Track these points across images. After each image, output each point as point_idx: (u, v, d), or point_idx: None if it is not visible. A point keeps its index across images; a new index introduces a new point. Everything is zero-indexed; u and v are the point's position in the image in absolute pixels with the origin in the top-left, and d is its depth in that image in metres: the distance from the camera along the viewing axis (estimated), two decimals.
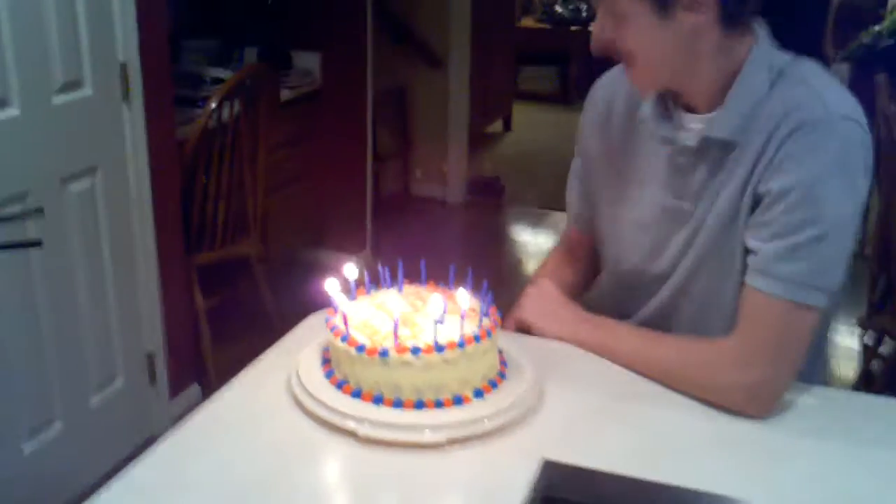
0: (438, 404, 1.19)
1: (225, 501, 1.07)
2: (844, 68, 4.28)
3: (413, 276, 1.36)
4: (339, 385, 1.22)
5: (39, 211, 1.93)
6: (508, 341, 1.35)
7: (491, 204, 5.32)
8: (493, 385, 1.24)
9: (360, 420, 1.17)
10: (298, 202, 3.96)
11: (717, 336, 1.31)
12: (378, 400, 1.19)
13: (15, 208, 2.15)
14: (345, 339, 1.20)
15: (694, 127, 1.34)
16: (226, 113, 2.89)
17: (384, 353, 1.17)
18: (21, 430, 2.30)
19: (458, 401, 1.20)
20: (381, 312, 1.26)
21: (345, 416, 1.18)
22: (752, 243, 1.27)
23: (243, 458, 1.15)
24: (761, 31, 1.31)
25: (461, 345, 1.18)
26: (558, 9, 7.74)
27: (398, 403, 1.18)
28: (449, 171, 5.21)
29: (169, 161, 2.71)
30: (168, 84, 2.70)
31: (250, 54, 3.80)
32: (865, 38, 4.18)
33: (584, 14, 7.78)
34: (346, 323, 1.22)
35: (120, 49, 2.45)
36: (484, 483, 1.12)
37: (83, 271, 2.43)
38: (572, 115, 7.14)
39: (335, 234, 4.18)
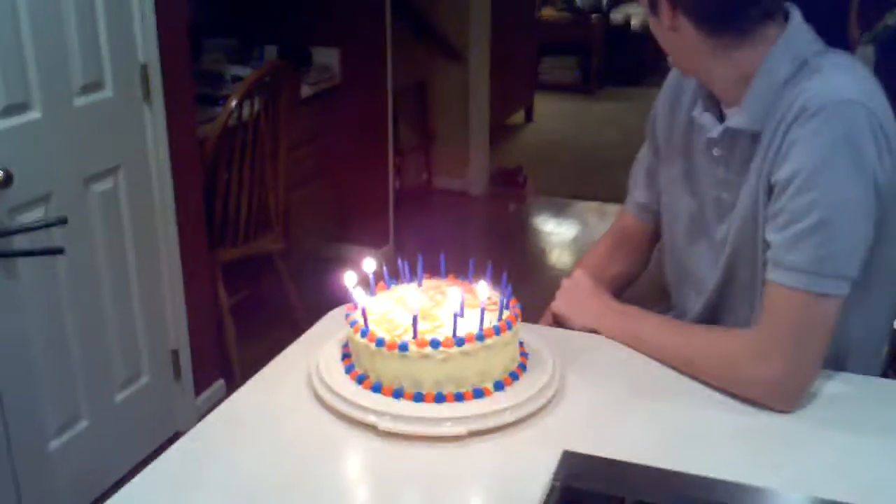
0: (459, 397, 1.19)
1: (246, 498, 1.08)
2: (870, 50, 4.23)
3: (436, 270, 1.36)
4: (360, 379, 1.23)
5: (62, 220, 1.94)
6: (530, 333, 1.34)
7: (513, 195, 5.31)
8: (514, 377, 1.24)
9: (380, 414, 1.17)
10: (320, 198, 3.97)
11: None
12: (398, 394, 1.19)
13: (38, 212, 2.17)
14: (364, 333, 1.20)
15: (727, 119, 1.35)
16: (246, 110, 2.90)
17: (404, 347, 1.17)
18: (47, 428, 2.32)
19: (478, 393, 1.19)
20: (400, 307, 1.26)
21: (365, 409, 1.18)
22: (767, 235, 1.26)
23: (264, 454, 1.16)
24: (793, 20, 1.29)
25: (480, 337, 1.18)
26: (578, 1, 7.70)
27: (419, 397, 1.19)
28: (471, 164, 5.20)
29: (190, 159, 2.73)
30: (188, 83, 2.71)
31: (270, 52, 3.81)
32: (890, 19, 4.12)
33: (604, 3, 7.75)
34: (365, 317, 1.22)
35: (140, 49, 2.46)
36: (504, 475, 1.11)
37: (107, 270, 2.45)
38: (594, 106, 7.11)
39: (357, 228, 4.19)
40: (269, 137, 3.06)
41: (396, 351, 1.17)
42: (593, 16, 7.65)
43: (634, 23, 7.63)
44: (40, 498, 2.30)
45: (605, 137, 6.29)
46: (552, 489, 1.07)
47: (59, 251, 1.99)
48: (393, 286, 1.33)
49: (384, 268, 1.34)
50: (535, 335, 1.35)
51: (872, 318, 1.36)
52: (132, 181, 2.49)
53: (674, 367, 1.33)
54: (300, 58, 3.79)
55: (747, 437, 1.19)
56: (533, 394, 1.21)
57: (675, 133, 1.47)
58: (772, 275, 1.24)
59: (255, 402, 1.28)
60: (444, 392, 1.18)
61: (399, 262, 1.33)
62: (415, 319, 1.19)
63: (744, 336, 1.28)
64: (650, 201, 1.58)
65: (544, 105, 6.98)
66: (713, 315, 1.44)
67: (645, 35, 6.43)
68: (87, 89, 2.30)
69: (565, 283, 1.56)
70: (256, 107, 2.94)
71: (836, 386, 1.29)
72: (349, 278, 1.24)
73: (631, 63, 7.54)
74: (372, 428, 1.17)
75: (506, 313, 1.23)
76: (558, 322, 1.51)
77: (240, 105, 2.85)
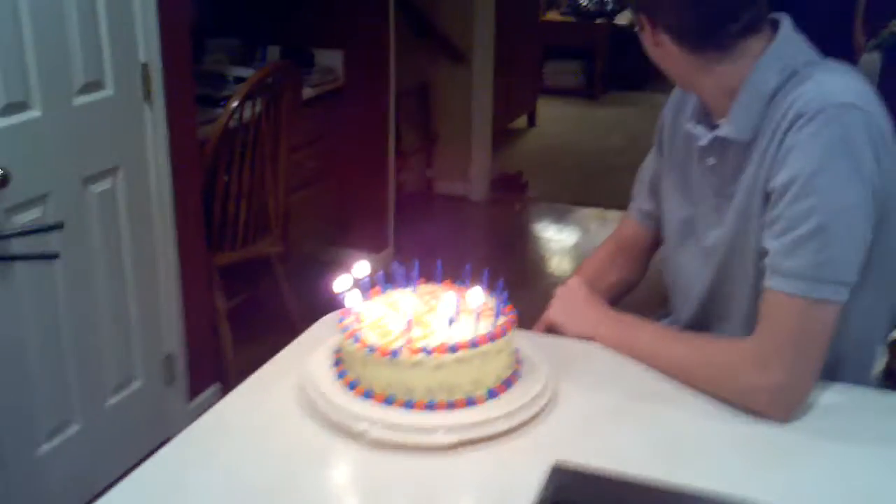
0: (451, 405, 1.17)
1: None
2: (875, 57, 4.22)
3: (433, 275, 1.34)
4: (351, 386, 1.21)
5: (58, 226, 1.92)
6: (525, 341, 1.33)
7: (515, 201, 5.29)
8: (508, 385, 1.23)
9: (370, 421, 1.16)
10: (320, 201, 3.96)
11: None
12: (390, 401, 1.18)
13: (36, 213, 2.16)
14: (356, 339, 1.19)
15: (714, 128, 1.35)
16: (247, 112, 2.89)
17: (395, 354, 1.15)
18: (38, 431, 2.31)
19: (470, 402, 1.18)
20: (394, 312, 1.25)
21: (356, 417, 1.17)
22: (765, 243, 1.25)
23: (252, 460, 1.14)
24: (782, 30, 1.28)
25: (474, 344, 1.17)
26: (583, 2, 7.68)
27: (410, 404, 1.17)
28: (473, 168, 5.19)
29: (190, 161, 2.71)
30: (190, 84, 2.70)
31: (273, 53, 3.80)
32: (893, 27, 4.11)
33: (608, 7, 7.73)
34: (357, 323, 1.21)
35: (141, 49, 2.45)
36: (495, 485, 1.10)
37: (103, 272, 2.44)
38: (598, 110, 7.08)
39: (357, 232, 4.18)
40: (269, 139, 3.04)
41: (388, 357, 1.16)
42: (598, 20, 7.63)
43: None
44: (30, 501, 2.29)
45: (609, 143, 6.28)
46: (542, 499, 1.06)
47: (53, 256, 1.98)
48: (387, 291, 1.32)
49: (380, 272, 1.32)
50: (530, 342, 1.34)
51: (869, 320, 1.35)
52: (131, 181, 2.48)
53: (670, 376, 1.32)
54: (303, 59, 3.78)
55: (742, 448, 1.18)
56: (526, 402, 1.20)
57: (677, 142, 1.48)
58: (770, 282, 1.23)
59: (244, 408, 1.27)
60: (436, 400, 1.17)
61: (394, 266, 1.32)
62: (408, 325, 1.17)
63: (742, 345, 1.27)
64: (653, 209, 1.57)
65: (548, 109, 6.97)
66: (703, 321, 1.44)
67: None
68: (87, 88, 2.28)
69: (560, 290, 1.55)
70: (258, 108, 2.92)
71: (832, 396, 1.28)
72: (342, 282, 1.22)
73: (635, 67, 7.52)
74: (362, 436, 1.15)
75: (500, 320, 1.22)
76: (553, 330, 1.49)
77: (241, 106, 2.83)
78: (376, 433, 1.15)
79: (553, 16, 7.72)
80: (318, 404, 1.20)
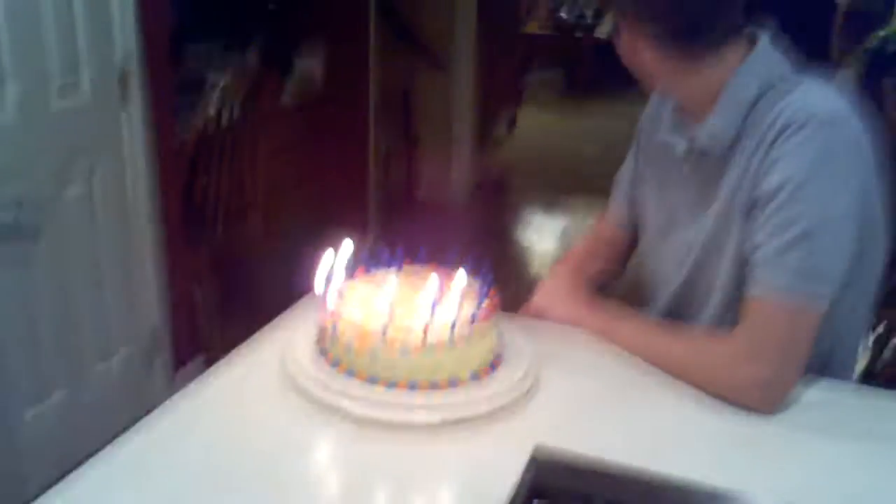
0: (433, 386, 1.16)
1: (212, 481, 1.05)
2: (850, 73, 4.26)
3: (430, 259, 1.34)
4: (334, 364, 1.20)
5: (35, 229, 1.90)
6: (510, 325, 1.32)
7: (496, 205, 5.30)
8: (492, 368, 1.22)
9: (352, 398, 1.15)
10: (301, 205, 3.93)
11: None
12: (373, 380, 1.17)
13: (8, 217, 2.13)
14: (339, 318, 1.18)
15: (691, 135, 1.35)
16: (225, 117, 2.86)
17: (377, 335, 1.14)
18: (23, 398, 2.28)
19: (452, 383, 1.17)
20: (377, 292, 1.24)
21: (337, 393, 1.15)
22: (753, 247, 1.26)
23: (232, 437, 1.13)
24: (760, 43, 1.30)
25: (457, 327, 1.16)
26: (563, 15, 7.74)
27: (392, 385, 1.16)
28: (454, 173, 5.19)
29: (170, 164, 2.68)
30: (168, 88, 2.68)
31: (252, 57, 3.78)
32: (871, 42, 4.16)
33: (587, 21, 7.79)
34: (341, 302, 1.20)
35: (119, 52, 2.42)
36: (476, 467, 1.09)
37: (83, 277, 2.42)
38: (577, 120, 7.09)
39: (338, 236, 4.14)
40: (248, 143, 3.03)
41: (370, 338, 1.15)
42: (577, 33, 7.69)
43: None
44: (12, 466, 2.26)
45: (588, 150, 6.31)
46: (521, 483, 1.05)
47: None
48: (372, 272, 1.31)
49: (364, 253, 1.31)
50: (514, 326, 1.33)
51: (851, 321, 1.36)
52: (108, 185, 2.46)
53: (653, 366, 1.32)
54: (282, 63, 3.76)
55: (723, 440, 1.18)
56: (509, 386, 1.19)
57: (654, 147, 1.48)
58: (760, 278, 1.23)
59: (226, 385, 1.25)
60: (418, 380, 1.16)
61: (379, 247, 1.31)
62: (390, 307, 1.16)
63: (727, 339, 1.27)
64: (630, 212, 1.58)
65: (528, 117, 6.99)
66: (676, 314, 1.44)
67: None
68: (64, 91, 2.25)
69: (547, 278, 1.55)
70: (236, 113, 2.91)
71: (815, 392, 1.28)
72: (326, 259, 1.21)
73: (613, 78, 7.55)
74: (343, 414, 1.14)
75: (484, 303, 1.21)
76: (537, 315, 1.49)
77: (219, 111, 2.82)
78: (358, 410, 1.13)
79: (533, 27, 7.77)
80: (299, 380, 1.19)
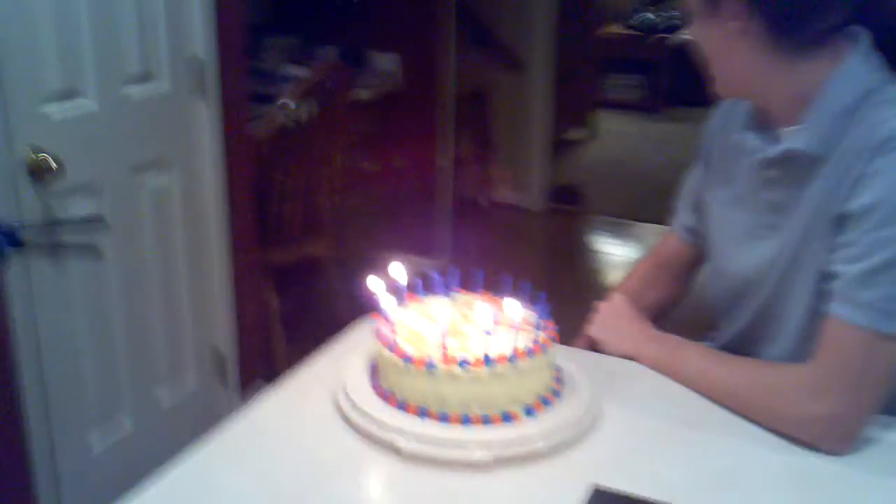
0: (486, 420, 1.13)
1: None
2: None
3: (487, 284, 1.30)
4: (385, 396, 1.18)
5: (98, 219, 1.92)
6: (567, 358, 1.28)
7: (572, 213, 5.23)
8: (547, 403, 1.18)
9: (403, 433, 1.12)
10: (375, 204, 3.94)
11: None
12: (423, 413, 1.14)
13: (88, 204, 2.16)
14: (391, 348, 1.15)
15: (781, 140, 1.27)
16: (303, 112, 2.88)
17: (431, 365, 1.11)
18: (91, 428, 2.30)
19: (506, 418, 1.14)
20: (429, 321, 1.21)
21: (388, 428, 1.13)
22: (833, 267, 1.18)
23: (282, 468, 1.11)
24: (859, 46, 1.21)
25: (512, 359, 1.12)
26: (650, 15, 7.58)
27: (444, 418, 1.13)
28: (530, 178, 5.13)
29: (244, 158, 2.70)
30: (244, 80, 2.69)
31: (329, 53, 3.80)
32: None
33: (677, 21, 7.61)
34: (393, 331, 1.17)
35: (196, 43, 2.45)
36: None
37: (156, 268, 2.44)
38: (657, 126, 6.98)
39: (412, 238, 4.15)
40: (323, 140, 3.03)
41: (423, 368, 1.12)
42: (658, 36, 7.52)
43: None
44: (82, 498, 2.28)
45: (668, 158, 6.17)
46: None
47: (99, 219, 1.94)
48: (424, 298, 1.28)
49: (416, 277, 1.28)
50: (572, 359, 1.29)
51: None
52: (184, 176, 2.48)
53: (716, 401, 1.26)
54: (359, 61, 3.77)
55: (790, 482, 1.12)
56: (566, 422, 1.15)
57: (726, 153, 1.41)
58: (837, 309, 1.16)
59: (276, 413, 1.24)
60: (471, 414, 1.13)
61: (431, 272, 1.28)
62: (443, 336, 1.13)
63: (797, 370, 1.20)
64: (696, 224, 1.51)
65: (607, 123, 6.89)
66: (750, 341, 1.36)
67: None
68: (141, 80, 2.29)
69: (602, 306, 1.49)
70: (313, 108, 2.92)
71: (892, 433, 1.20)
72: (375, 285, 1.19)
73: (696, 84, 7.37)
74: (394, 447, 1.12)
75: (540, 334, 1.17)
76: (594, 347, 1.44)
77: (297, 105, 2.83)
78: (409, 446, 1.11)
79: (616, 28, 7.63)
80: (351, 414, 1.17)
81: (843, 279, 1.16)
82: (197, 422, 2.64)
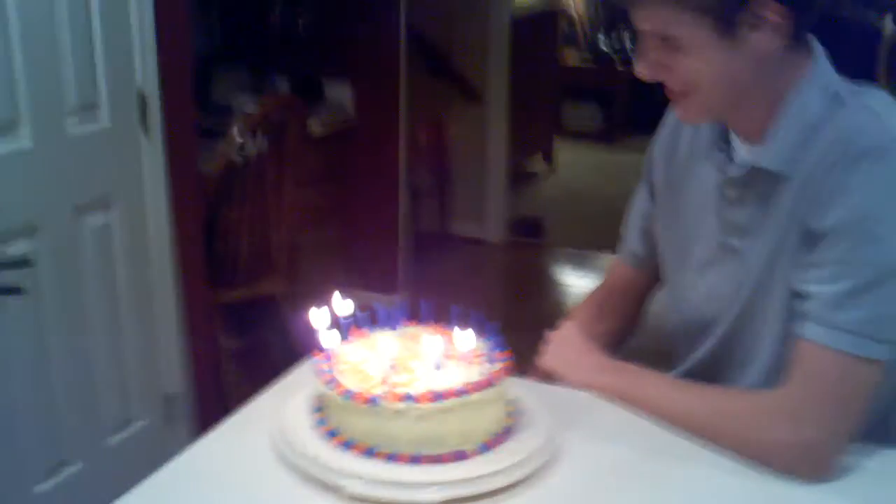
0: (437, 459, 1.06)
1: None
2: None
3: (439, 316, 1.23)
4: (330, 435, 1.10)
5: (24, 262, 1.83)
6: (523, 390, 1.22)
7: (532, 244, 5.19)
8: (502, 439, 1.11)
9: (349, 475, 1.04)
10: (330, 239, 3.87)
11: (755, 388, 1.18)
12: (370, 453, 1.07)
13: (24, 246, 2.07)
14: (331, 384, 1.08)
15: (745, 157, 1.23)
16: (251, 146, 2.81)
17: (374, 401, 1.04)
18: (35, 471, 2.20)
19: (459, 456, 1.07)
20: (375, 355, 1.14)
21: (332, 470, 1.05)
22: (806, 286, 1.13)
23: None
24: (819, 53, 1.18)
25: (462, 393, 1.05)
26: (602, 46, 7.64)
27: (392, 458, 1.06)
28: (488, 209, 5.09)
29: (192, 194, 2.62)
30: (190, 114, 2.62)
31: (282, 84, 3.74)
32: None
33: (629, 51, 7.68)
34: (333, 367, 1.10)
35: (139, 76, 2.37)
36: None
37: (99, 309, 2.35)
38: (616, 155, 6.98)
39: (368, 273, 4.08)
40: (274, 175, 2.97)
41: (367, 405, 1.05)
42: (617, 66, 7.57)
43: None
44: None
45: (627, 188, 6.18)
46: None
47: (15, 291, 1.86)
48: (370, 331, 1.21)
49: (360, 311, 1.21)
50: (528, 391, 1.22)
51: None
52: (126, 216, 2.40)
53: (680, 430, 1.20)
54: (313, 91, 3.72)
55: None
56: (522, 458, 1.09)
57: (674, 176, 1.36)
58: (811, 331, 1.11)
59: (215, 455, 1.17)
60: (421, 453, 1.06)
61: (376, 305, 1.21)
62: (387, 370, 1.07)
63: (769, 396, 1.16)
64: (646, 251, 1.46)
65: (565, 152, 6.89)
66: (718, 368, 1.30)
67: None
68: (81, 116, 2.21)
69: (553, 335, 1.43)
70: (262, 142, 2.85)
71: (868, 460, 1.16)
72: (317, 320, 1.12)
73: (655, 113, 7.42)
74: (340, 490, 1.04)
75: (492, 366, 1.11)
76: (546, 377, 1.37)
77: (245, 140, 2.76)
78: (356, 489, 1.03)
79: (572, 56, 7.65)
80: (290, 456, 1.09)
81: (817, 301, 1.11)
82: (150, 465, 2.54)
